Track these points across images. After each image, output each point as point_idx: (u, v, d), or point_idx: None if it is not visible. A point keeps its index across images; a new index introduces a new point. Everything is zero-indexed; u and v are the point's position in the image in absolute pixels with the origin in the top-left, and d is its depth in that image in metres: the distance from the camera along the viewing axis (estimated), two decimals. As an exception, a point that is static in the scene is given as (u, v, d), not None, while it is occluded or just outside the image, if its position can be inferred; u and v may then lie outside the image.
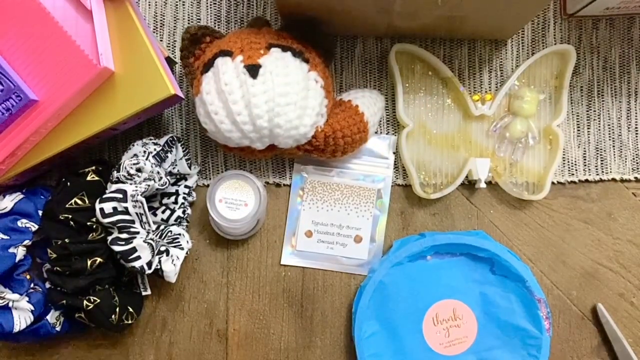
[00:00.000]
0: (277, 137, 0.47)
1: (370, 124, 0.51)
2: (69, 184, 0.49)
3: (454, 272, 0.54)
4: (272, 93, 0.46)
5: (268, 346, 0.55)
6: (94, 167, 0.50)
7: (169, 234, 0.52)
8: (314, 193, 0.56)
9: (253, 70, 0.46)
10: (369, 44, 0.56)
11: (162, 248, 0.51)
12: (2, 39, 0.44)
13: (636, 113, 0.57)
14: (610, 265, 0.56)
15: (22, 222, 0.49)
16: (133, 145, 0.50)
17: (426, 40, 0.56)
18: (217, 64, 0.47)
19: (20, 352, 0.55)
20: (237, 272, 0.56)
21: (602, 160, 0.56)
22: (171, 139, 0.52)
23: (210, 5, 0.56)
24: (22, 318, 0.48)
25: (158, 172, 0.49)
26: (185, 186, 0.54)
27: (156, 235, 0.51)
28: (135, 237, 0.47)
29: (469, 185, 0.56)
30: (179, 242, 0.52)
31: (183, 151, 0.53)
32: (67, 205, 0.48)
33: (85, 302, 0.48)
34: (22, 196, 0.50)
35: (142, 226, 0.48)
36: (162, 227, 0.53)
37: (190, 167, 0.54)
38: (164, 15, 0.56)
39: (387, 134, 0.56)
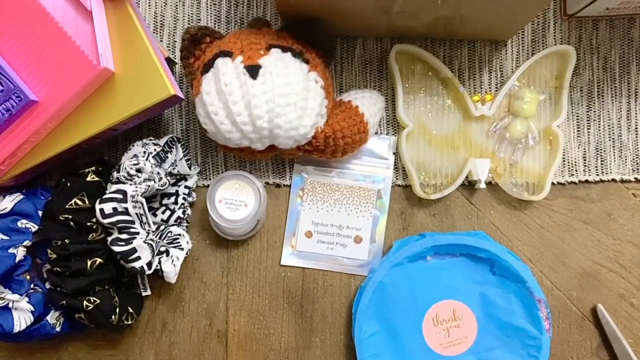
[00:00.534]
0: (277, 138, 0.47)
1: (370, 124, 0.51)
2: (69, 184, 0.49)
3: (454, 272, 0.54)
4: (272, 94, 0.46)
5: (268, 347, 0.55)
6: (94, 168, 0.50)
7: (169, 234, 0.52)
8: (314, 193, 0.56)
9: (253, 70, 0.46)
10: (369, 45, 0.56)
11: (162, 248, 0.51)
12: (2, 39, 0.44)
13: (636, 114, 0.57)
14: (610, 266, 0.56)
15: (22, 223, 0.49)
16: (133, 145, 0.50)
17: (426, 40, 0.56)
18: (217, 64, 0.47)
19: (20, 353, 0.55)
20: (237, 272, 0.56)
21: (602, 161, 0.56)
22: (171, 139, 0.52)
23: (210, 5, 0.56)
24: (22, 318, 0.48)
25: (158, 173, 0.49)
26: (185, 187, 0.54)
27: (156, 236, 0.51)
28: (135, 238, 0.47)
29: (469, 185, 0.56)
30: (179, 242, 0.52)
31: (183, 152, 0.53)
32: (67, 206, 0.48)
33: (85, 302, 0.48)
34: (22, 197, 0.50)
35: (142, 227, 0.48)
36: (162, 227, 0.53)
37: (190, 168, 0.54)
38: (164, 16, 0.56)
39: (387, 134, 0.56)
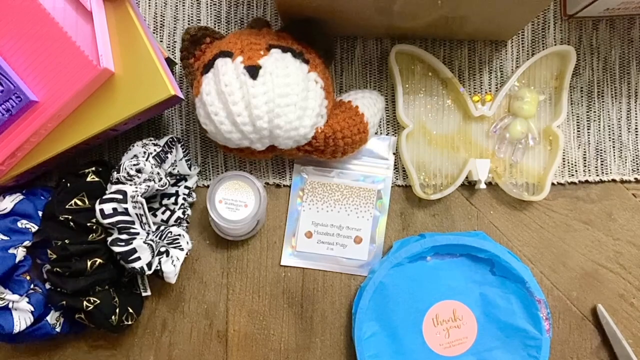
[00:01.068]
0: (277, 138, 0.47)
1: (370, 124, 0.51)
2: (69, 184, 0.49)
3: (454, 273, 0.54)
4: (272, 94, 0.46)
5: (268, 347, 0.55)
6: (94, 168, 0.50)
7: (169, 234, 0.52)
8: (314, 194, 0.56)
9: (253, 71, 0.46)
10: (369, 45, 0.56)
11: (162, 249, 0.51)
12: (2, 39, 0.44)
13: (636, 114, 0.57)
14: (610, 266, 0.56)
15: (22, 223, 0.49)
16: (133, 146, 0.50)
17: (426, 40, 0.56)
18: (217, 64, 0.47)
19: (20, 353, 0.55)
20: (237, 273, 0.56)
21: (602, 161, 0.56)
22: (171, 139, 0.52)
23: (210, 5, 0.56)
24: (22, 319, 0.48)
25: (158, 173, 0.49)
26: (185, 187, 0.54)
27: (156, 236, 0.51)
28: (135, 238, 0.47)
29: (469, 186, 0.56)
30: (179, 242, 0.52)
31: (183, 152, 0.53)
32: (67, 206, 0.48)
33: (85, 302, 0.48)
34: (22, 197, 0.50)
35: (142, 227, 0.48)
36: (162, 227, 0.53)
37: (190, 168, 0.54)
38: (164, 16, 0.56)
39: (387, 134, 0.56)
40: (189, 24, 0.56)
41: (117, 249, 0.47)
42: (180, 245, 0.52)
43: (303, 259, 0.56)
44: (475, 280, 0.54)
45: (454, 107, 0.56)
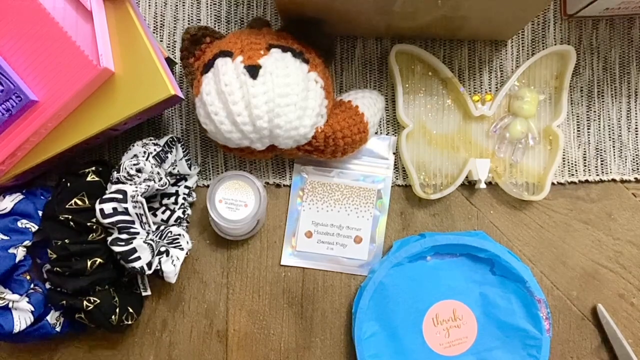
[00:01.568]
0: (277, 138, 0.47)
1: (370, 124, 0.51)
2: (69, 184, 0.49)
3: (454, 272, 0.54)
4: (272, 94, 0.46)
5: (268, 347, 0.55)
6: (94, 168, 0.50)
7: (169, 234, 0.52)
8: (314, 193, 0.56)
9: (253, 70, 0.46)
10: (369, 45, 0.56)
11: (162, 249, 0.51)
12: (2, 39, 0.44)
13: (636, 114, 0.57)
14: (610, 266, 0.56)
15: (22, 223, 0.49)
16: (133, 145, 0.50)
17: (426, 40, 0.56)
18: (217, 64, 0.47)
19: (20, 353, 0.55)
20: (237, 272, 0.56)
21: (602, 161, 0.56)
22: (171, 139, 0.52)
23: (210, 5, 0.56)
24: (22, 318, 0.48)
25: (158, 173, 0.49)
26: (185, 187, 0.54)
27: (156, 236, 0.51)
28: (135, 238, 0.47)
29: (469, 185, 0.56)
30: (179, 242, 0.52)
31: (183, 152, 0.53)
32: (67, 206, 0.48)
33: (85, 302, 0.48)
34: (22, 197, 0.50)
35: (142, 227, 0.48)
36: (162, 227, 0.53)
37: (190, 168, 0.54)
38: (164, 16, 0.56)
39: (387, 134, 0.56)
40: (189, 24, 0.56)
41: (117, 249, 0.47)
42: (180, 245, 0.52)
43: (303, 258, 0.56)
44: (475, 280, 0.54)
45: (454, 106, 0.56)
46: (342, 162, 0.56)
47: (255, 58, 0.46)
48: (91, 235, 0.48)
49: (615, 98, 0.57)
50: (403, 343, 0.53)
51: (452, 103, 0.56)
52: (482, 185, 0.54)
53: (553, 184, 0.56)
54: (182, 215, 0.53)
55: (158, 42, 0.55)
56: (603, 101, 0.57)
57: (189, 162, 0.54)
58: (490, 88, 0.56)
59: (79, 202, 0.48)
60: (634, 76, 0.57)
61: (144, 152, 0.49)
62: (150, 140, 0.51)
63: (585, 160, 0.56)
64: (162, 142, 0.51)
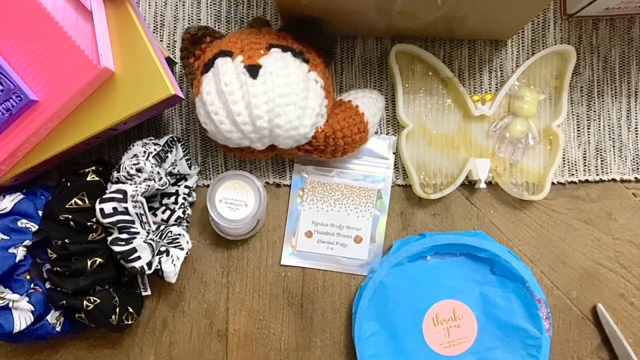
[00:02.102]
0: (277, 138, 0.47)
1: (370, 124, 0.51)
2: (69, 184, 0.49)
3: (454, 272, 0.54)
4: (272, 93, 0.46)
5: (268, 346, 0.55)
6: (94, 167, 0.50)
7: (169, 234, 0.52)
8: (314, 193, 0.56)
9: (253, 70, 0.46)
10: (369, 44, 0.56)
11: (162, 248, 0.51)
12: (2, 39, 0.44)
13: (636, 113, 0.57)
14: (610, 266, 0.56)
15: (22, 223, 0.49)
16: (133, 145, 0.50)
17: (426, 40, 0.56)
18: (217, 64, 0.47)
19: (20, 352, 0.55)
20: (237, 272, 0.56)
21: (602, 161, 0.56)
22: (171, 139, 0.52)
23: (210, 5, 0.56)
24: (22, 318, 0.48)
25: (158, 173, 0.49)
26: (186, 186, 0.54)
27: (156, 236, 0.51)
28: (135, 238, 0.47)
29: (469, 185, 0.56)
30: (179, 242, 0.52)
31: (183, 151, 0.53)
32: (67, 206, 0.48)
33: (85, 302, 0.48)
34: (22, 196, 0.50)
35: (142, 226, 0.48)
36: (162, 227, 0.53)
37: (190, 168, 0.54)
38: (164, 15, 0.56)
39: (387, 134, 0.56)
40: (189, 24, 0.56)
41: (117, 249, 0.47)
42: (181, 245, 0.52)
43: (303, 258, 0.56)
44: (475, 279, 0.54)
45: (454, 106, 0.56)
46: (342, 162, 0.56)
47: (255, 58, 0.46)
48: (91, 235, 0.48)
49: (615, 98, 0.57)
50: (403, 343, 0.53)
51: (452, 103, 0.56)
52: (482, 185, 0.54)
53: (553, 183, 0.56)
54: (182, 215, 0.53)
55: (158, 42, 0.55)
56: (603, 101, 0.57)
57: (189, 161, 0.54)
58: (490, 88, 0.57)
59: (79, 202, 0.48)
60: (634, 76, 0.57)
61: (144, 152, 0.49)
62: (150, 140, 0.51)
63: (585, 160, 0.56)
64: (162, 141, 0.51)
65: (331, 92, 0.51)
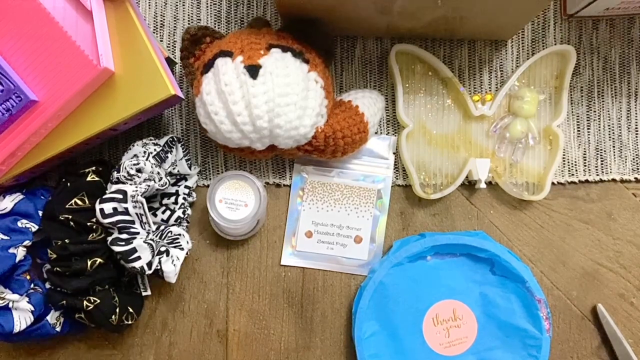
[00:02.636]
0: (277, 138, 0.47)
1: (370, 124, 0.51)
2: (69, 184, 0.49)
3: (454, 272, 0.54)
4: (272, 93, 0.46)
5: (268, 346, 0.55)
6: (94, 168, 0.50)
7: (169, 234, 0.52)
8: (314, 193, 0.56)
9: (253, 70, 0.46)
10: (369, 44, 0.56)
11: (162, 248, 0.51)
12: (2, 39, 0.44)
13: (636, 113, 0.57)
14: (610, 266, 0.56)
15: (22, 223, 0.49)
16: (133, 145, 0.50)
17: (426, 40, 0.56)
18: (217, 64, 0.47)
19: (20, 352, 0.55)
20: (237, 272, 0.56)
21: (602, 161, 0.56)
22: (171, 139, 0.52)
23: (210, 5, 0.56)
24: (22, 318, 0.48)
25: (158, 173, 0.49)
26: (186, 186, 0.54)
27: (156, 236, 0.51)
28: (135, 238, 0.47)
29: (469, 185, 0.56)
30: (179, 242, 0.52)
31: (183, 151, 0.53)
32: (67, 206, 0.48)
33: (85, 302, 0.48)
34: (22, 196, 0.50)
35: (142, 226, 0.48)
36: (162, 227, 0.53)
37: (190, 168, 0.54)
38: (164, 16, 0.56)
39: (387, 134, 0.56)
40: (189, 24, 0.56)
41: (117, 249, 0.47)
42: (181, 245, 0.52)
43: (303, 258, 0.56)
44: (475, 279, 0.54)
45: (454, 106, 0.56)
46: (342, 162, 0.56)
47: (255, 58, 0.46)
48: (91, 235, 0.48)
49: (615, 98, 0.57)
50: (403, 343, 0.53)
51: (452, 103, 0.56)
52: (482, 185, 0.54)
53: (553, 183, 0.56)
54: (182, 215, 0.53)
55: (158, 42, 0.55)
56: (603, 101, 0.57)
57: (189, 162, 0.54)
58: (490, 88, 0.57)
59: (79, 202, 0.48)
60: (634, 76, 0.57)
61: (144, 152, 0.49)
62: (150, 140, 0.51)
63: (585, 160, 0.56)
64: (162, 142, 0.51)
65: (331, 92, 0.51)
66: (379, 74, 0.56)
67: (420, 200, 0.56)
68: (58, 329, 0.50)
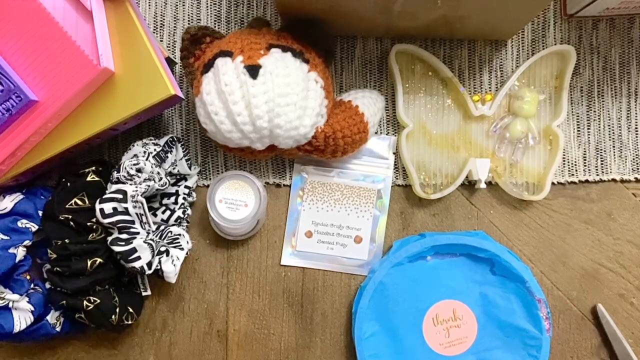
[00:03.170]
0: (277, 138, 0.47)
1: (370, 124, 0.51)
2: (69, 184, 0.49)
3: (454, 272, 0.54)
4: (272, 93, 0.46)
5: (268, 346, 0.55)
6: (94, 168, 0.50)
7: (169, 234, 0.52)
8: (314, 193, 0.56)
9: (253, 70, 0.46)
10: (369, 44, 0.56)
11: (162, 248, 0.51)
12: (2, 39, 0.44)
13: (636, 113, 0.57)
14: (610, 266, 0.56)
15: (22, 223, 0.49)
16: (133, 145, 0.50)
17: (426, 40, 0.56)
18: (217, 64, 0.47)
19: (20, 353, 0.55)
20: (237, 272, 0.56)
21: (602, 161, 0.56)
22: (171, 139, 0.52)
23: (210, 5, 0.56)
24: (22, 318, 0.48)
25: (158, 173, 0.49)
26: (186, 186, 0.54)
27: (156, 236, 0.51)
28: (135, 238, 0.47)
29: (469, 185, 0.56)
30: (179, 242, 0.52)
31: (183, 151, 0.53)
32: (67, 206, 0.48)
33: (85, 302, 0.48)
34: (22, 196, 0.50)
35: (142, 226, 0.48)
36: (162, 227, 0.53)
37: (190, 168, 0.54)
38: (164, 16, 0.56)
39: (387, 134, 0.56)
40: (189, 24, 0.56)
41: (117, 249, 0.47)
42: (180, 245, 0.52)
43: (303, 258, 0.56)
44: (475, 279, 0.54)
45: (454, 106, 0.56)
46: (342, 162, 0.56)
47: (255, 58, 0.46)
48: (91, 235, 0.48)
49: (615, 98, 0.57)
50: (403, 343, 0.53)
51: (452, 103, 0.56)
52: (482, 185, 0.54)
53: (553, 183, 0.56)
54: (182, 215, 0.53)
55: (158, 42, 0.55)
56: (603, 101, 0.57)
57: (189, 162, 0.54)
58: (490, 88, 0.56)
59: (79, 202, 0.48)
60: (634, 76, 0.57)
61: (144, 152, 0.49)
62: (150, 140, 0.51)
63: (585, 160, 0.56)
64: (162, 142, 0.51)
65: (331, 92, 0.51)
66: (379, 74, 0.56)
67: (420, 200, 0.56)
68: (58, 329, 0.50)
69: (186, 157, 0.53)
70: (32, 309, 0.49)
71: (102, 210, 0.46)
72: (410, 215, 0.56)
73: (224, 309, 0.56)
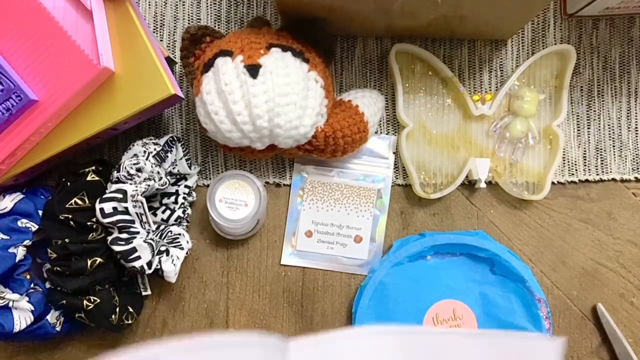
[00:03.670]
0: (277, 137, 0.47)
1: (370, 123, 0.51)
2: (69, 184, 0.49)
3: (454, 272, 0.54)
4: (272, 93, 0.46)
5: (268, 346, 0.55)
6: (94, 167, 0.50)
7: (169, 234, 0.52)
8: (314, 193, 0.56)
9: (253, 70, 0.46)
10: (369, 44, 0.56)
11: (162, 248, 0.51)
12: (2, 39, 0.44)
13: (636, 113, 0.57)
14: (610, 265, 0.56)
15: (22, 222, 0.49)
16: (133, 145, 0.50)
17: (426, 40, 0.56)
18: (217, 64, 0.47)
19: (20, 352, 0.55)
20: (237, 272, 0.56)
21: (602, 160, 0.56)
22: (171, 138, 0.52)
23: (210, 5, 0.56)
24: (22, 318, 0.48)
25: (158, 172, 0.49)
26: (186, 186, 0.54)
27: (156, 235, 0.51)
28: (135, 237, 0.47)
29: (469, 185, 0.56)
30: (179, 242, 0.52)
31: (183, 151, 0.53)
32: (67, 205, 0.48)
33: (85, 302, 0.48)
34: (22, 196, 0.50)
35: (142, 226, 0.48)
36: (162, 227, 0.53)
37: (190, 167, 0.54)
38: (164, 15, 0.56)
39: (387, 134, 0.56)
40: (189, 23, 0.56)
41: (117, 248, 0.47)
42: (181, 245, 0.52)
43: (303, 258, 0.56)
44: (475, 279, 0.54)
45: (454, 106, 0.56)
46: (342, 162, 0.56)
47: (255, 57, 0.46)
48: (91, 234, 0.48)
49: (615, 97, 0.57)
50: (403, 342, 0.53)
51: (452, 102, 0.56)
52: (482, 185, 0.54)
53: (553, 183, 0.56)
54: (182, 215, 0.53)
55: (158, 42, 0.55)
56: (603, 101, 0.57)
57: (189, 161, 0.54)
58: (490, 87, 0.57)
59: (79, 202, 0.48)
60: (634, 76, 0.57)
61: (144, 152, 0.49)
62: (150, 139, 0.51)
63: (585, 159, 0.56)
64: (162, 141, 0.51)
65: (331, 92, 0.51)
66: (379, 73, 0.57)
67: (420, 199, 0.56)
68: (58, 328, 0.50)
69: (186, 157, 0.53)
70: (32, 308, 0.49)
71: (102, 209, 0.46)
72: (410, 215, 0.56)
73: (224, 308, 0.56)
